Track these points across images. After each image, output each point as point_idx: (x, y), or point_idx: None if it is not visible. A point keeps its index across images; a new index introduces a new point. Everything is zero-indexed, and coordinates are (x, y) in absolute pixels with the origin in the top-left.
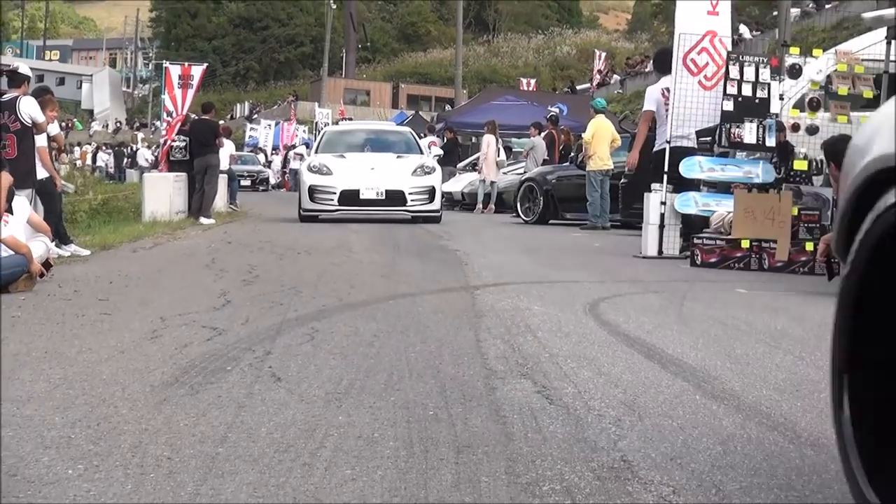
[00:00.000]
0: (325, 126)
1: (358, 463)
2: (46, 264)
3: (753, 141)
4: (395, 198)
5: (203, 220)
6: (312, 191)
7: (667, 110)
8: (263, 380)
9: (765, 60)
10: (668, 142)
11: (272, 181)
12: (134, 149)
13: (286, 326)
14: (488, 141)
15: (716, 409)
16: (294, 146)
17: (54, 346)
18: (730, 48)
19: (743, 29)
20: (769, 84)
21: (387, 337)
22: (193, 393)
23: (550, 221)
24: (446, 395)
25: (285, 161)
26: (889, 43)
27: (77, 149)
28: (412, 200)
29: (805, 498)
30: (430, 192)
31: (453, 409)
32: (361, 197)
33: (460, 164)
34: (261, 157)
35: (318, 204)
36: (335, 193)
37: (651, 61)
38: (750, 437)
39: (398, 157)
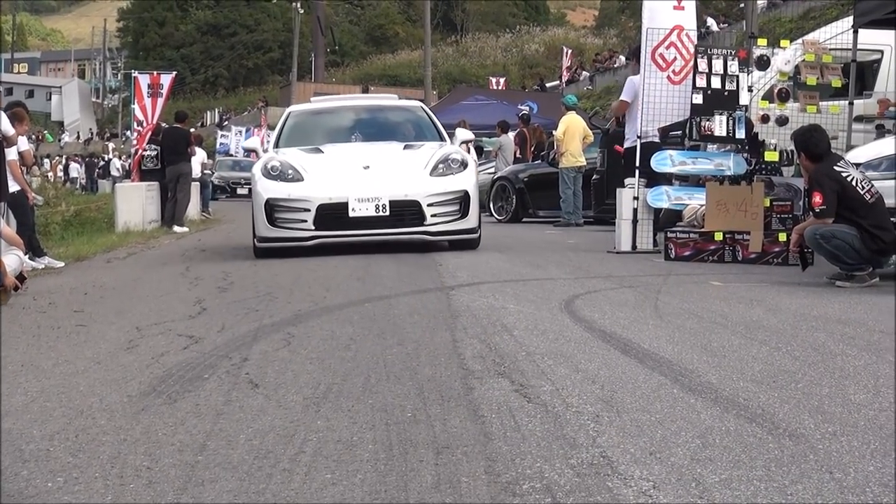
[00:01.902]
0: (288, 110)
1: (338, 467)
2: (20, 277)
3: (724, 133)
4: (406, 213)
5: (176, 228)
6: (272, 208)
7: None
8: (241, 387)
9: (733, 53)
10: (640, 137)
11: None
12: (106, 159)
13: (262, 332)
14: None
15: (693, 403)
16: None
17: (30, 358)
18: (696, 42)
19: (710, 21)
20: (738, 76)
21: (363, 340)
22: (171, 402)
23: (524, 220)
24: (424, 397)
25: None
26: (856, 32)
27: (47, 161)
28: (434, 215)
29: (785, 488)
30: (462, 201)
31: (432, 410)
32: (352, 214)
33: None
34: None
35: (281, 229)
36: (309, 211)
37: (629, 52)
38: (728, 430)
39: (406, 146)
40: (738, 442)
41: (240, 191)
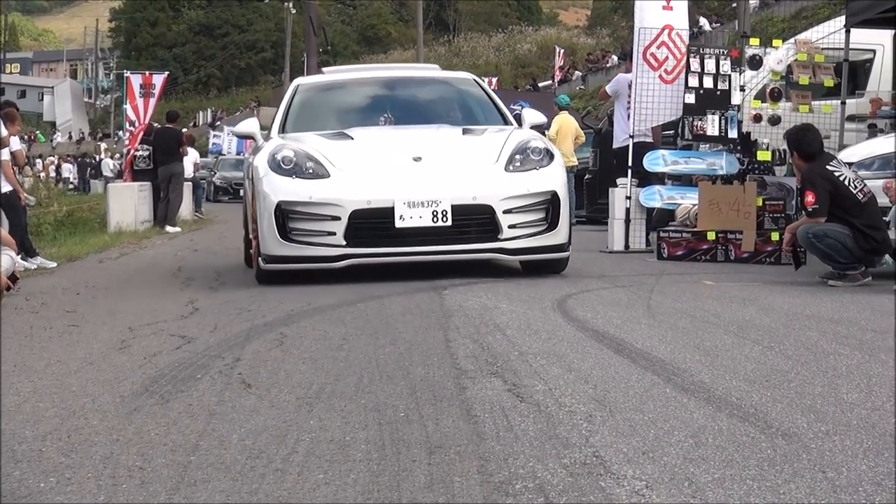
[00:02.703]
0: (295, 83)
1: (330, 467)
2: (13, 277)
3: (716, 133)
4: (474, 223)
5: (169, 228)
6: (286, 215)
7: (629, 105)
8: (234, 387)
9: (725, 52)
10: (632, 136)
11: None
12: (98, 159)
13: (255, 332)
14: None
15: (686, 402)
16: None
17: (23, 359)
18: (688, 41)
19: (703, 21)
20: (730, 76)
21: (356, 340)
22: (164, 402)
23: None
24: (417, 397)
25: None
26: (848, 31)
27: (39, 161)
28: (512, 226)
29: (778, 488)
30: (549, 206)
31: (424, 410)
32: (399, 224)
33: None
34: None
35: (298, 245)
36: (338, 220)
37: (621, 53)
38: (721, 429)
39: (465, 131)
40: (730, 441)
41: (242, 192)
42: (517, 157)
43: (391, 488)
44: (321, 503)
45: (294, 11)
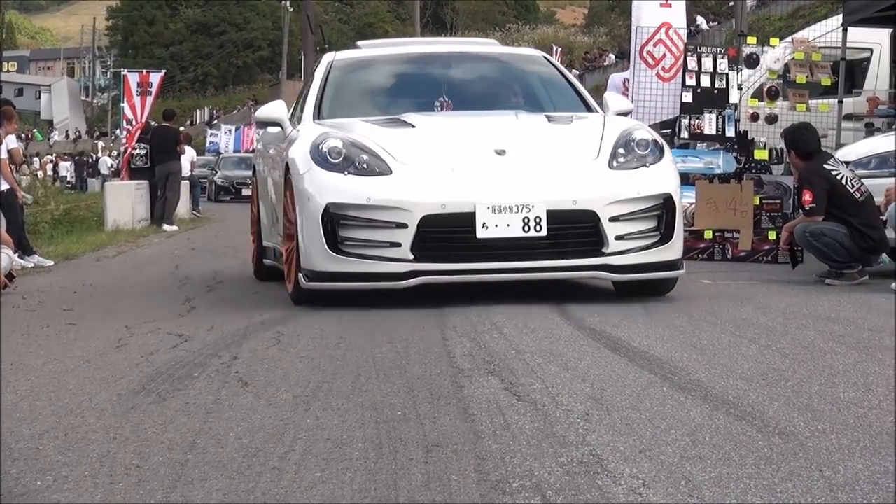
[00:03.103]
0: (328, 59)
1: (327, 465)
2: (9, 276)
3: (713, 132)
4: (573, 233)
5: (166, 227)
6: (337, 220)
7: None
8: (231, 385)
9: (722, 51)
10: None
11: None
12: (95, 157)
13: (252, 331)
14: None
15: (683, 401)
16: None
17: (20, 357)
18: (685, 39)
19: (700, 20)
20: (727, 74)
21: (353, 338)
22: (161, 400)
23: None
24: (414, 395)
25: None
26: (845, 30)
27: (36, 159)
28: (620, 237)
29: (775, 486)
30: (662, 213)
31: (421, 409)
32: (481, 234)
33: None
34: None
35: (353, 259)
36: (405, 227)
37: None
38: (718, 428)
39: (549, 118)
40: (727, 440)
41: (245, 192)
42: (620, 151)
43: (388, 487)
44: (318, 502)
45: (291, 10)
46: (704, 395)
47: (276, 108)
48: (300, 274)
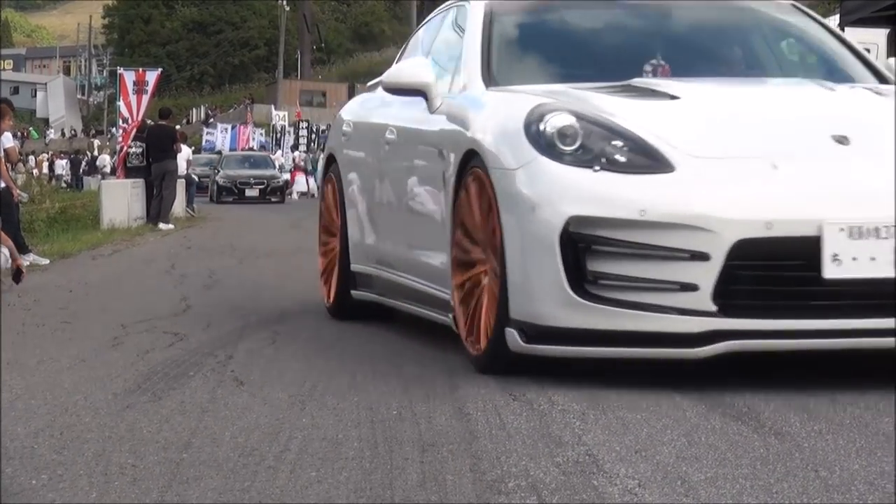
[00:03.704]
0: (479, 6)
1: (323, 465)
2: (18, 272)
3: None
4: None
5: (162, 225)
6: (586, 243)
7: None
8: (226, 384)
9: None
10: None
11: (301, 189)
12: (92, 156)
13: (248, 330)
14: None
15: (679, 401)
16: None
17: (15, 356)
18: None
19: None
20: None
21: (349, 338)
22: (156, 399)
23: None
24: (410, 395)
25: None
26: (842, 30)
27: (32, 157)
28: None
29: (771, 487)
30: None
31: (417, 408)
32: (832, 272)
33: None
34: (279, 157)
35: (612, 307)
36: (704, 259)
37: None
38: (714, 428)
39: (876, 91)
40: (723, 440)
41: (249, 192)
42: None
43: (384, 486)
44: (314, 501)
45: (288, 9)
46: (700, 395)
47: (418, 69)
48: (516, 331)
